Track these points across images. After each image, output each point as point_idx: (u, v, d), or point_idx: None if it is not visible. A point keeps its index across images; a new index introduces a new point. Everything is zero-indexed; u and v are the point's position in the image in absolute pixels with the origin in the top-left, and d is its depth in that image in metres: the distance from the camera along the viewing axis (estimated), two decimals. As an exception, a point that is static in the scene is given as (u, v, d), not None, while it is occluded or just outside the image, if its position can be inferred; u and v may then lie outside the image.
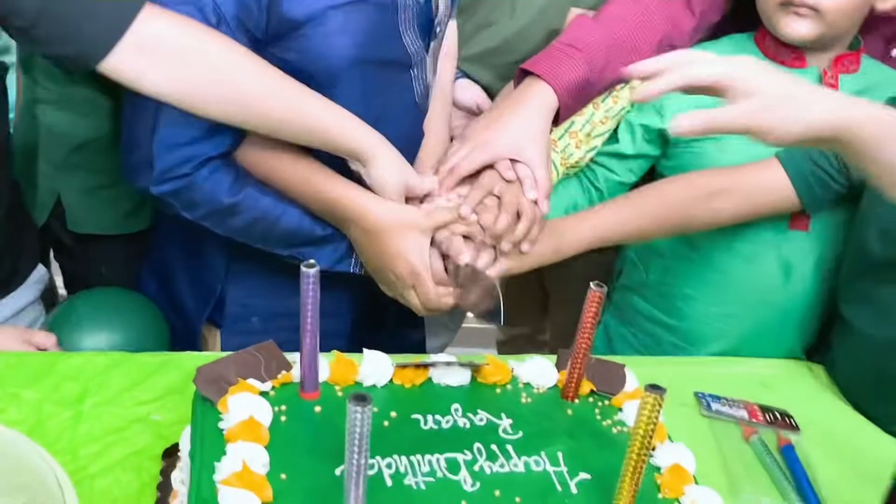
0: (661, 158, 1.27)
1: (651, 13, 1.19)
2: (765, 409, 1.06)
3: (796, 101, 0.81)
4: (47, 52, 0.87)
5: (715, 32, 1.26)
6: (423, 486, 0.66)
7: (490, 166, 1.06)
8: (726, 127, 0.83)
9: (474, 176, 1.07)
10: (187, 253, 1.11)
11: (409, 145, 1.08)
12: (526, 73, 1.13)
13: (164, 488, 0.79)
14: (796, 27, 1.11)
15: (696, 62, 0.83)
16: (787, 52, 1.17)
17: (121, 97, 0.96)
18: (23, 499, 0.70)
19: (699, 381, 1.11)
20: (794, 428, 1.04)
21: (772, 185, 1.14)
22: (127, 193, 1.20)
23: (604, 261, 1.47)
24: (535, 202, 1.05)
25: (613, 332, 1.37)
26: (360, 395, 0.56)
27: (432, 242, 1.02)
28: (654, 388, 0.61)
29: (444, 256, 1.03)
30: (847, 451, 1.03)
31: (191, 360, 0.96)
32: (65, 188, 1.19)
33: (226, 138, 0.95)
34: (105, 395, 0.92)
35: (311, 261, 0.70)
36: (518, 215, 1.04)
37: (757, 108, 0.81)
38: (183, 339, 1.10)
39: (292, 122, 0.93)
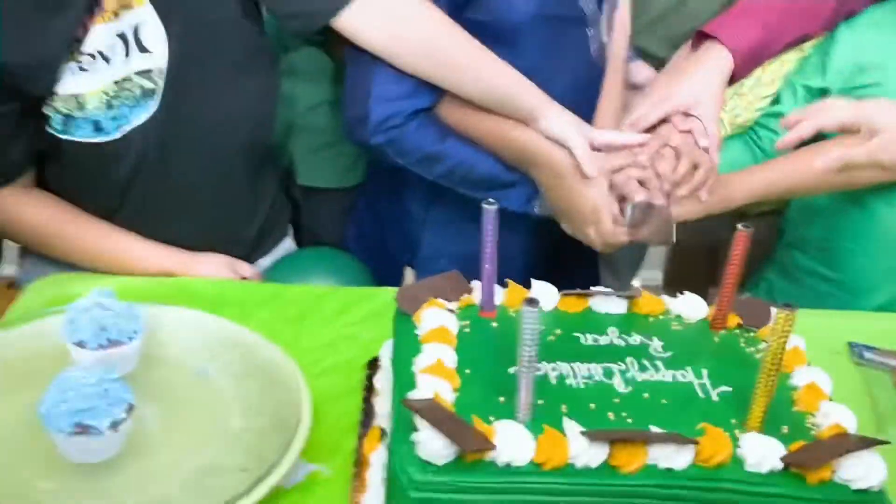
0: None
1: None
2: (920, 361, 1.10)
3: None
4: (285, 10, 1.08)
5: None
6: (582, 386, 0.78)
7: (665, 120, 1.17)
8: (858, 162, 1.00)
9: (651, 130, 1.18)
10: (392, 204, 1.30)
11: (586, 97, 1.22)
12: (704, 36, 1.21)
13: (369, 389, 0.97)
14: None
15: (826, 109, 1.01)
16: None
17: (339, 64, 1.16)
18: (264, 381, 0.89)
19: (856, 334, 1.15)
20: (951, 378, 1.07)
21: None
22: (346, 151, 1.40)
23: (775, 221, 1.52)
24: (707, 151, 1.15)
25: (777, 288, 1.42)
26: (531, 299, 0.69)
27: (609, 185, 1.14)
28: (787, 305, 0.71)
29: (620, 199, 1.15)
30: None
31: (389, 293, 1.13)
32: (294, 147, 1.40)
33: (429, 94, 1.12)
34: (319, 317, 1.11)
35: (492, 200, 0.85)
36: (695, 165, 1.14)
37: (885, 142, 0.96)
38: (386, 278, 1.29)
39: (480, 79, 1.10)
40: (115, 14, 1.02)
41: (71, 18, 1.00)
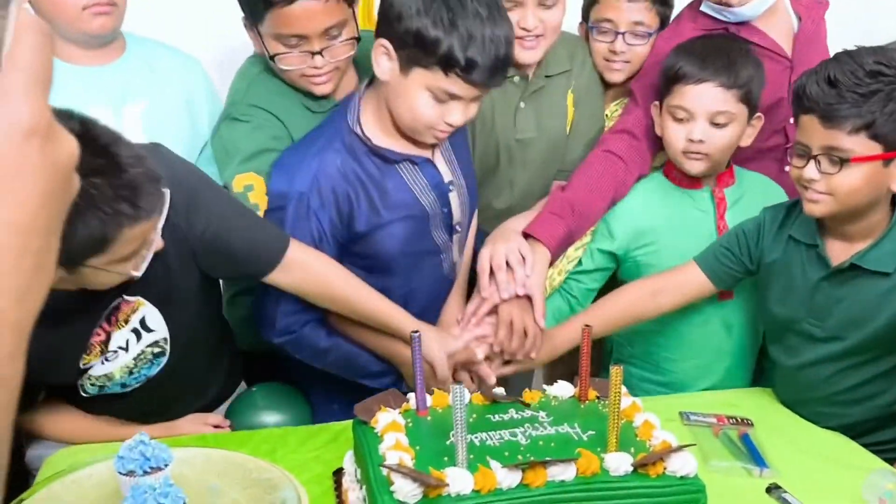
0: (617, 268, 1.80)
1: (603, 180, 1.74)
2: (728, 417, 1.53)
3: None
4: (231, 276, 1.54)
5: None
6: (497, 444, 1.14)
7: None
8: None
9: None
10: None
11: (439, 302, 1.69)
12: (527, 234, 1.68)
13: (339, 488, 1.28)
14: (694, 166, 1.68)
15: None
16: (688, 180, 1.72)
17: None
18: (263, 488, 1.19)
19: (684, 408, 1.58)
20: (750, 425, 1.50)
21: (693, 279, 1.66)
22: None
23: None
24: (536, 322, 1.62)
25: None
26: (456, 382, 1.07)
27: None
28: (616, 364, 1.11)
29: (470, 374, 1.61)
30: (787, 437, 1.49)
31: (338, 426, 1.47)
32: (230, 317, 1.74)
33: (320, 309, 1.54)
34: (288, 449, 1.42)
35: (415, 330, 1.23)
36: (525, 333, 1.60)
37: None
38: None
39: (366, 311, 1.53)
40: (126, 321, 1.38)
41: (89, 324, 1.33)
